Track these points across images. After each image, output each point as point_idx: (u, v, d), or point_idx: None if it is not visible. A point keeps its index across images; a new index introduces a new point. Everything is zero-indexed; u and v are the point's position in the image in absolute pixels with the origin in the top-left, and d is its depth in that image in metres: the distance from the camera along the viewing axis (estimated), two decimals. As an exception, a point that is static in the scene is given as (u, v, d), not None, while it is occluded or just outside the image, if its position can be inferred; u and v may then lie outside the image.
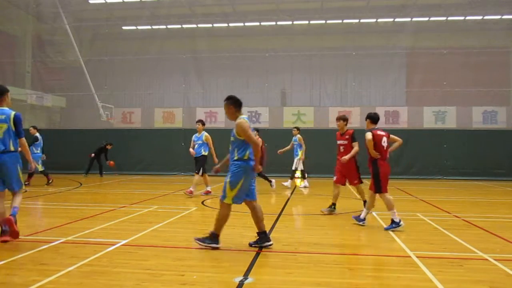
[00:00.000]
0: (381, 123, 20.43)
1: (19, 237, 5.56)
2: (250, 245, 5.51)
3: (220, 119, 21.20)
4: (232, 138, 5.49)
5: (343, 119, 8.60)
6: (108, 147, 17.94)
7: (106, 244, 5.50)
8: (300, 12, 20.40)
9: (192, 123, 21.12)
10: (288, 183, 13.98)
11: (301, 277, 4.25)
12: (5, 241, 5.37)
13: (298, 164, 13.79)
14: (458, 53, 19.36)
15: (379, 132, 7.09)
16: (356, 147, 8.30)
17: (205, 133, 11.43)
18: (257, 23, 21.10)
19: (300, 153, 13.82)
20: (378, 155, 6.95)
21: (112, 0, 20.16)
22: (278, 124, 20.78)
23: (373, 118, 7.26)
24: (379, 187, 6.99)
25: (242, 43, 21.29)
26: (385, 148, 7.05)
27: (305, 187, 13.99)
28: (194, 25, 21.46)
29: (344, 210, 9.11)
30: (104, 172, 18.29)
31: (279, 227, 6.95)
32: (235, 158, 5.41)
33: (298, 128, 14.33)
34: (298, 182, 16.82)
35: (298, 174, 18.59)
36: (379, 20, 20.27)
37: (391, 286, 4.04)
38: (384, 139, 7.08)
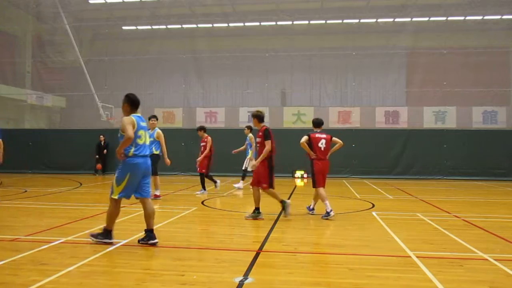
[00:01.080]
0: (381, 123, 20.62)
1: (19, 237, 5.56)
2: (139, 241, 5.57)
3: (220, 119, 21.22)
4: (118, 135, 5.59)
5: (255, 116, 7.96)
6: (101, 138, 18.58)
7: (106, 244, 5.50)
8: (300, 12, 20.39)
9: (193, 123, 21.18)
10: (239, 184, 13.42)
11: (301, 277, 4.25)
12: None
13: (248, 163, 13.14)
14: (458, 53, 19.37)
15: (317, 135, 8.34)
16: (267, 145, 7.73)
17: (158, 130, 10.45)
18: (257, 23, 21.10)
19: (250, 153, 13.20)
20: (314, 155, 8.24)
21: (112, 0, 20.16)
22: (278, 124, 20.77)
23: (314, 123, 8.74)
24: (314, 182, 8.33)
25: (242, 43, 21.29)
26: (322, 149, 8.34)
27: (238, 188, 13.19)
28: (194, 25, 21.47)
29: (344, 210, 9.11)
30: (106, 172, 18.43)
31: (279, 227, 6.95)
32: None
33: (249, 127, 13.36)
34: (298, 182, 16.83)
35: (298, 174, 18.62)
36: (379, 20, 20.28)
37: (391, 286, 4.04)
38: (322, 141, 8.37)
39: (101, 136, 19.09)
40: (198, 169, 12.06)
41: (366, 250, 5.42)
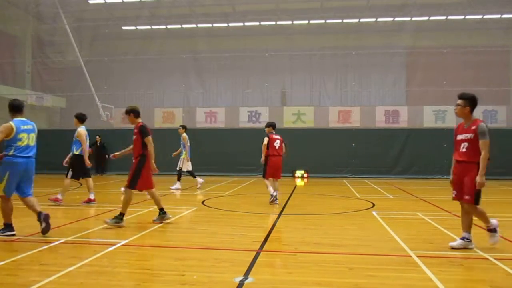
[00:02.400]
0: (381, 123, 20.58)
1: (19, 237, 5.56)
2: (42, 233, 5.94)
3: (220, 119, 21.22)
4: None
5: (130, 111, 7.16)
6: (97, 139, 18.75)
7: (106, 244, 5.50)
8: (300, 12, 20.39)
9: (193, 123, 21.18)
10: (176, 185, 13.02)
11: (302, 277, 4.25)
12: None
13: (182, 163, 12.85)
14: (458, 52, 19.36)
15: (274, 136, 9.94)
16: (149, 144, 7.09)
17: (78, 129, 9.79)
18: (257, 23, 21.09)
19: (184, 153, 12.91)
20: (268, 153, 9.67)
21: (112, 0, 20.15)
22: (278, 124, 20.62)
23: (272, 126, 10.30)
24: (264, 174, 9.75)
25: (242, 43, 21.29)
26: (276, 148, 9.83)
27: (176, 188, 12.84)
28: (194, 25, 21.46)
29: (344, 210, 9.11)
30: (105, 172, 18.45)
31: (280, 227, 6.95)
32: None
33: (183, 127, 13.25)
34: (298, 181, 16.83)
35: (298, 173, 18.62)
36: (379, 19, 20.27)
37: (391, 285, 4.04)
38: (277, 141, 9.99)
39: (97, 136, 19.07)
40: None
41: (366, 250, 5.42)
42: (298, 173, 18.65)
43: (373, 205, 9.64)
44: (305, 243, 5.80)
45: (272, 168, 9.63)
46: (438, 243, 5.82)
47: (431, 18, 19.96)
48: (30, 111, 21.97)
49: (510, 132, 18.51)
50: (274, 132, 10.10)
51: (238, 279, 4.12)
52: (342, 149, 18.69)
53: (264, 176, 9.75)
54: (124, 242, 5.65)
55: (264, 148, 9.70)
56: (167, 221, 7.08)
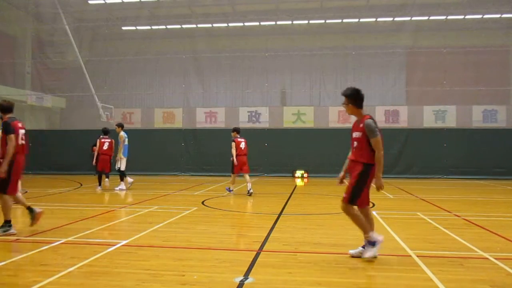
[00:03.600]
0: (381, 122, 20.61)
1: (20, 238, 5.56)
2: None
3: (220, 119, 21.23)
4: None
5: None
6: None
7: (106, 244, 5.51)
8: (299, 12, 20.40)
9: (193, 123, 21.19)
10: (120, 186, 12.80)
11: (302, 277, 4.25)
12: None
13: (120, 163, 12.65)
14: (457, 52, 19.37)
15: (239, 139, 11.56)
16: (10, 142, 6.03)
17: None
18: (257, 23, 21.10)
19: (119, 152, 12.71)
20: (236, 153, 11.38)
21: (112, 0, 20.16)
22: (278, 124, 20.79)
23: (237, 130, 11.78)
24: (233, 169, 11.60)
25: (242, 43, 21.30)
26: (242, 148, 11.51)
27: (120, 189, 12.65)
28: (194, 25, 21.46)
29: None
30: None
31: (280, 227, 6.95)
32: None
33: (119, 125, 12.93)
34: (298, 181, 16.83)
35: (298, 173, 18.63)
36: (379, 19, 20.28)
37: (391, 285, 4.04)
38: (243, 143, 11.55)
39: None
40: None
41: (366, 250, 5.41)
42: (298, 173, 18.66)
43: (373, 205, 9.64)
44: (305, 243, 5.80)
45: (240, 165, 11.50)
46: (438, 243, 5.82)
47: (431, 18, 19.97)
48: (30, 111, 21.99)
49: (510, 132, 18.51)
50: (239, 136, 11.76)
51: (238, 279, 4.12)
52: (342, 149, 18.52)
53: (233, 172, 11.69)
54: (124, 242, 5.65)
55: (233, 151, 11.51)
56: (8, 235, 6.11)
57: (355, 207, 4.97)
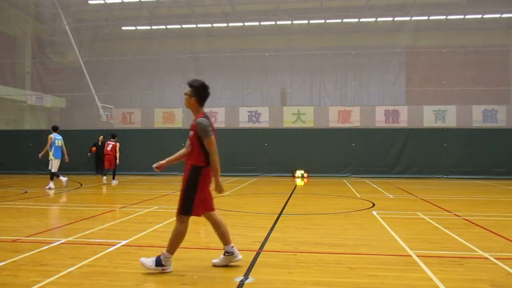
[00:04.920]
0: (381, 122, 20.61)
1: (20, 238, 5.56)
2: None
3: (220, 119, 21.24)
4: None
5: None
6: (100, 139, 18.74)
7: (106, 244, 5.50)
8: (299, 12, 20.40)
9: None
10: (49, 185, 12.91)
11: (302, 277, 4.25)
12: None
13: (50, 164, 12.86)
14: (457, 52, 19.37)
15: (109, 142, 13.80)
16: None
17: None
18: (257, 23, 21.11)
19: (50, 153, 13.00)
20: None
21: (112, 0, 20.16)
22: (278, 124, 20.79)
23: (112, 136, 13.87)
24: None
25: (242, 43, 21.31)
26: (108, 149, 14.09)
27: (49, 188, 12.74)
28: (194, 25, 21.47)
29: (344, 210, 9.11)
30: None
31: (280, 227, 6.95)
32: None
33: (52, 128, 13.41)
34: (298, 181, 16.83)
35: (298, 173, 18.63)
36: (379, 19, 20.28)
37: (391, 285, 4.04)
38: (110, 145, 14.03)
39: (101, 136, 19.02)
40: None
41: (366, 249, 5.43)
42: (298, 173, 18.65)
43: (373, 204, 9.64)
44: (305, 243, 5.80)
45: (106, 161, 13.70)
46: (438, 243, 5.82)
47: (431, 17, 19.98)
48: (30, 111, 21.99)
49: (510, 132, 18.50)
50: (112, 140, 13.84)
51: (238, 279, 4.12)
52: (342, 149, 18.69)
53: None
54: (124, 242, 5.65)
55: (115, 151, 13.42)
56: None
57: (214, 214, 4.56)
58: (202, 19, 21.14)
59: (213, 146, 4.37)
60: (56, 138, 13.09)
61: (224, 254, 4.55)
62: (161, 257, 4.35)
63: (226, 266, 4.55)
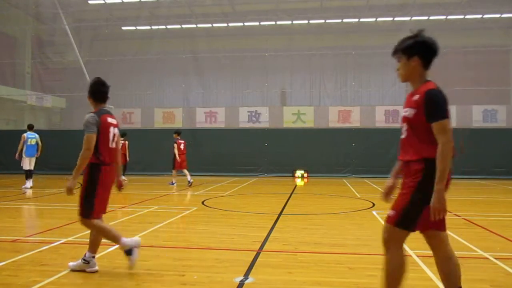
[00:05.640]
0: (381, 122, 20.59)
1: (20, 238, 5.56)
2: None
3: (220, 119, 21.23)
4: None
5: None
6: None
7: (106, 244, 5.48)
8: (299, 12, 20.39)
9: (193, 123, 21.19)
10: (26, 184, 12.89)
11: (302, 277, 4.24)
12: None
13: (22, 162, 12.87)
14: (457, 52, 19.35)
15: (179, 141, 13.88)
16: None
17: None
18: (257, 23, 21.10)
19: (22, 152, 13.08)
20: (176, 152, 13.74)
21: (112, 0, 20.17)
22: (278, 124, 20.78)
23: (178, 133, 14.08)
24: (174, 166, 14.11)
25: (242, 43, 21.30)
26: (182, 148, 13.76)
27: (25, 187, 12.77)
28: (194, 25, 21.47)
29: (344, 210, 9.11)
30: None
31: (280, 227, 6.95)
32: None
33: (28, 126, 13.48)
34: (298, 181, 16.83)
35: (298, 173, 18.63)
36: (379, 19, 20.27)
37: (391, 285, 4.03)
38: (182, 144, 13.81)
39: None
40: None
41: (366, 249, 5.43)
42: (298, 173, 18.65)
43: (373, 204, 9.64)
44: (305, 243, 5.80)
45: (181, 162, 13.76)
46: (438, 243, 5.81)
47: (431, 17, 19.96)
48: (30, 111, 21.98)
49: (510, 132, 18.50)
50: (179, 138, 14.03)
51: (238, 279, 4.12)
52: (342, 149, 18.69)
53: (174, 168, 13.96)
54: (124, 242, 5.64)
55: (174, 151, 13.76)
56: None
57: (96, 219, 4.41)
58: (202, 19, 21.13)
59: (88, 144, 4.18)
60: (29, 137, 13.11)
61: (82, 259, 4.35)
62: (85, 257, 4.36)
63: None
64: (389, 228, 3.02)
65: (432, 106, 3.01)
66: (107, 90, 4.69)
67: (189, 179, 13.80)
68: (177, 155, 13.73)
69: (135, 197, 10.94)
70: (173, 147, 13.86)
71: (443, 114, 2.97)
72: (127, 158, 15.39)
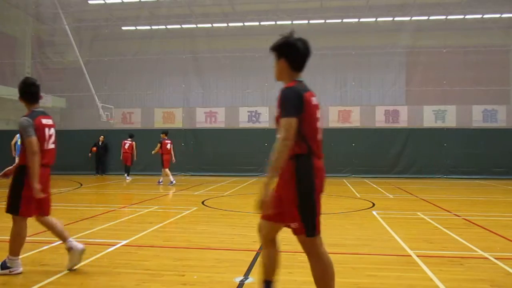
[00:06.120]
0: (381, 122, 20.58)
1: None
2: None
3: (220, 119, 21.22)
4: None
5: None
6: (101, 139, 19.18)
7: (106, 244, 5.51)
8: (299, 12, 20.38)
9: (193, 123, 21.18)
10: None
11: (302, 277, 4.25)
12: None
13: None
14: (457, 52, 19.35)
15: (166, 141, 14.43)
16: None
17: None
18: (257, 23, 21.08)
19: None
20: (162, 152, 14.28)
21: (112, 0, 20.14)
22: (278, 124, 20.73)
23: (165, 133, 14.75)
24: (163, 165, 14.59)
25: (242, 43, 21.27)
26: (168, 148, 14.44)
27: None
28: (194, 25, 21.44)
29: (344, 209, 9.11)
30: (106, 173, 18.53)
31: (280, 227, 6.94)
32: None
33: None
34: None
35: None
36: (379, 19, 20.25)
37: (391, 285, 4.04)
38: (169, 144, 14.43)
39: (101, 136, 19.13)
40: None
41: (366, 249, 5.43)
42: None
43: (373, 204, 9.64)
44: (305, 243, 5.79)
45: (167, 161, 14.30)
46: (438, 243, 5.82)
47: (431, 17, 19.94)
48: (30, 111, 21.89)
49: (510, 132, 18.50)
50: (166, 138, 14.48)
51: (238, 279, 4.12)
52: (342, 149, 18.68)
53: (164, 166, 14.34)
54: (124, 242, 5.65)
55: (158, 149, 14.34)
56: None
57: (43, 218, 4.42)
58: (202, 19, 21.11)
59: (32, 148, 4.10)
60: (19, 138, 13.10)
61: (68, 252, 4.38)
62: (6, 260, 4.26)
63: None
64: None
65: (281, 102, 3.19)
66: (38, 90, 4.46)
67: (171, 180, 14.12)
68: (160, 153, 14.32)
69: (135, 197, 10.94)
70: (157, 146, 14.42)
71: (288, 112, 3.05)
72: (135, 158, 16.25)
